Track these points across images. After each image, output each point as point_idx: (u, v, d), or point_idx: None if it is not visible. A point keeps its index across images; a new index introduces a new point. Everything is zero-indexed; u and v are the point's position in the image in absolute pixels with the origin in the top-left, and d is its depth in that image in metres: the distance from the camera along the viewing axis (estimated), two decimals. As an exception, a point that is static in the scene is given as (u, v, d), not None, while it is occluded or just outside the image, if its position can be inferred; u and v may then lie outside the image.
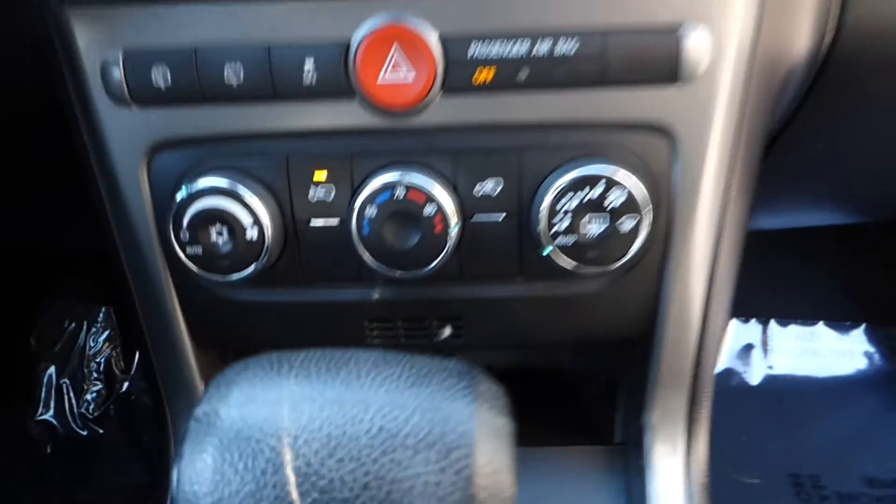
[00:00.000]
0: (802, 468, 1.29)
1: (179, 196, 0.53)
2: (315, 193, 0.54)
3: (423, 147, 0.54)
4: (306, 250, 0.57)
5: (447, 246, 0.53)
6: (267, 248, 0.54)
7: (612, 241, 0.52)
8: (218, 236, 0.54)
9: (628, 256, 0.52)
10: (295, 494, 0.29)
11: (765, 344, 1.49)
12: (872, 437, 1.37)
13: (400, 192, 0.52)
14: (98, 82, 0.53)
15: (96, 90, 0.53)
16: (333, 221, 0.55)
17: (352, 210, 0.53)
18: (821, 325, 1.51)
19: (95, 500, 1.26)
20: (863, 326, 1.51)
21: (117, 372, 1.47)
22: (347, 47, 0.50)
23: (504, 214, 0.54)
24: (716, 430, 0.60)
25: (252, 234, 0.53)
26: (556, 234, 0.52)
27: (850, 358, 1.50)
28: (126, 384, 1.46)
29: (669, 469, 0.56)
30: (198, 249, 0.54)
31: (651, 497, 0.54)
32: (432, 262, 0.54)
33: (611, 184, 0.51)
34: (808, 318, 1.50)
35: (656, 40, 0.49)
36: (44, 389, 1.42)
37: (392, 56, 0.49)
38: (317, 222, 0.55)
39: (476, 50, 0.49)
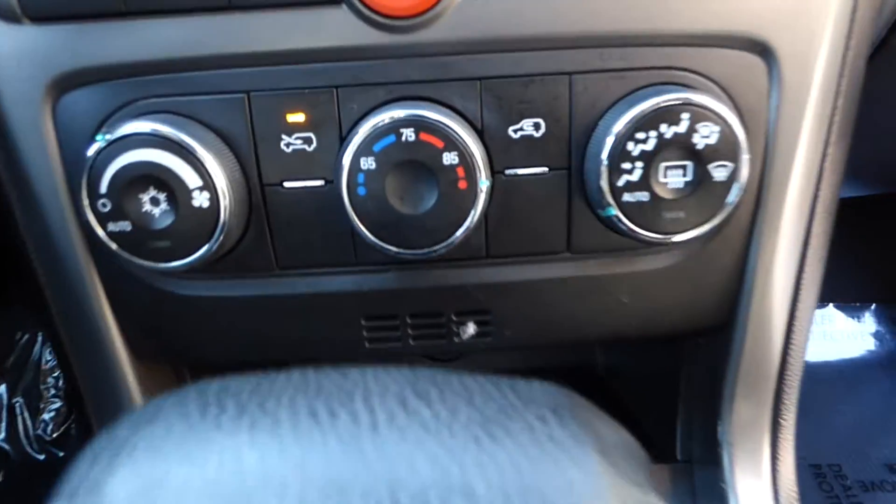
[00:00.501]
0: (823, 458, 1.22)
1: (95, 148, 0.40)
2: (289, 143, 0.42)
3: (436, 73, 0.41)
4: (279, 224, 0.44)
5: (474, 210, 0.41)
6: (223, 222, 0.41)
7: (699, 196, 0.40)
8: (152, 205, 0.40)
9: (719, 218, 0.41)
10: None
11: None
12: (889, 421, 1.31)
13: (408, 135, 0.39)
14: None
15: None
16: (315, 182, 0.43)
17: (341, 164, 0.41)
18: (831, 308, 1.45)
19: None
20: (872, 307, 1.45)
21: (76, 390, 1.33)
22: None
23: (548, 167, 0.42)
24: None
25: (201, 201, 0.40)
26: (622, 191, 0.40)
27: (861, 340, 1.45)
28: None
29: (755, 492, 0.46)
30: (124, 225, 0.41)
31: None
32: (454, 232, 0.41)
33: (698, 117, 0.39)
34: (819, 301, 1.44)
35: None
36: (-7, 412, 1.28)
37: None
38: (292, 184, 0.43)
39: None
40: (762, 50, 0.41)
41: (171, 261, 0.41)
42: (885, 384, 1.37)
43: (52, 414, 1.30)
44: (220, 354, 0.44)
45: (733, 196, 0.40)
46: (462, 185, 0.40)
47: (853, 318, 1.45)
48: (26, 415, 1.29)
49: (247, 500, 0.15)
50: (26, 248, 0.46)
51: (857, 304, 1.45)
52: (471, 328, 0.48)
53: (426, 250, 0.41)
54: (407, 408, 0.21)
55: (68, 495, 0.18)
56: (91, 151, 0.40)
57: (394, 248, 0.42)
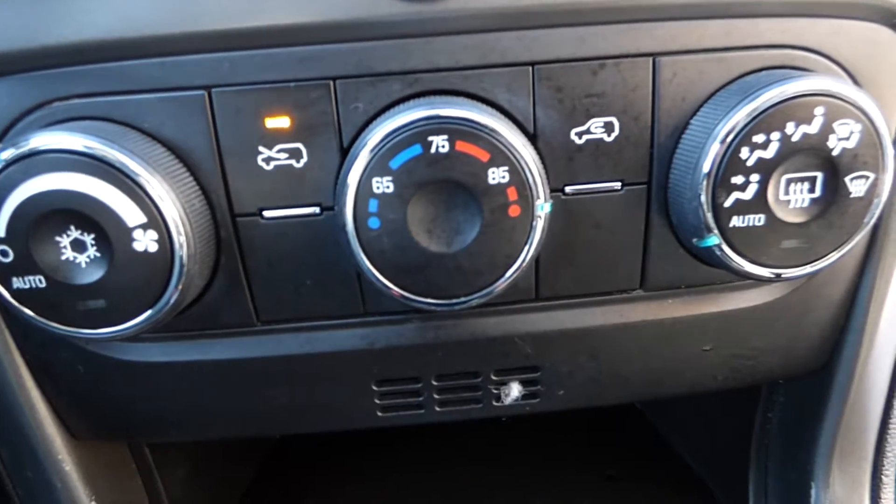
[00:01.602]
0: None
1: None
2: (269, 158, 0.31)
3: (472, 57, 0.30)
4: (258, 265, 0.32)
5: (529, 244, 0.30)
6: (180, 269, 0.29)
7: (830, 217, 0.29)
8: (75, 251, 0.29)
9: (850, 246, 0.30)
10: None
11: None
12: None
13: (439, 145, 0.28)
14: None
15: None
16: (307, 209, 0.32)
17: (344, 186, 0.29)
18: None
19: None
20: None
21: None
22: None
23: (621, 181, 0.32)
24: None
25: (146, 243, 0.29)
26: (730, 213, 0.30)
27: None
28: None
29: None
30: (34, 280, 0.29)
31: None
32: (501, 275, 0.30)
33: (836, 114, 0.28)
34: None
35: None
36: None
37: None
38: (275, 212, 0.32)
39: None
40: None
41: (105, 326, 0.30)
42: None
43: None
44: (185, 432, 0.32)
45: (872, 216, 0.31)
46: (514, 210, 0.29)
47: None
48: None
49: None
50: None
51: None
52: (515, 390, 0.37)
53: (463, 300, 0.30)
54: None
55: None
56: None
57: (419, 299, 0.30)
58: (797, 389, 0.41)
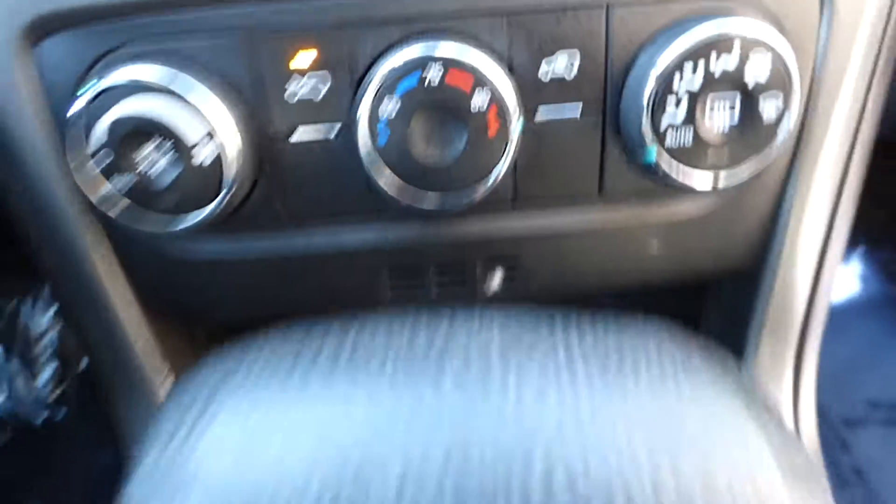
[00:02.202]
0: (835, 414, 1.26)
1: (83, 99, 0.37)
2: (297, 87, 0.39)
3: (457, 5, 0.38)
4: (291, 176, 0.41)
5: (504, 157, 0.39)
6: (230, 177, 0.38)
7: (746, 137, 0.38)
8: (154, 159, 0.38)
9: (765, 160, 0.39)
10: None
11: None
12: (873, 361, 1.35)
13: (434, 74, 0.37)
14: None
15: None
16: (329, 130, 0.40)
17: (358, 109, 0.39)
18: (819, 251, 1.46)
19: (58, 494, 1.15)
20: (860, 249, 1.47)
21: (71, 349, 1.33)
22: None
23: (581, 105, 0.40)
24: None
25: (205, 154, 0.38)
26: (665, 133, 0.38)
27: (848, 283, 1.47)
28: (85, 361, 1.33)
29: None
30: (120, 183, 0.38)
31: None
32: (483, 181, 0.39)
33: (750, 50, 0.36)
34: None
35: None
36: (-12, 376, 1.28)
37: None
38: (303, 134, 0.40)
39: None
40: None
41: (176, 219, 0.39)
42: (872, 325, 1.41)
43: (48, 377, 1.30)
44: (232, 314, 0.42)
45: (782, 135, 0.39)
46: (493, 130, 0.38)
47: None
48: (21, 380, 1.29)
49: (360, 443, 0.14)
50: (19, 211, 0.44)
51: (845, 247, 1.47)
52: (497, 279, 0.47)
53: (455, 200, 0.40)
54: (510, 351, 0.20)
55: (165, 430, 0.18)
56: (81, 103, 0.37)
57: (419, 200, 0.40)
58: (734, 292, 0.49)
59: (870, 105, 0.42)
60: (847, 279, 1.45)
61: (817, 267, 0.45)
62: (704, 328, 0.53)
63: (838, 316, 1.46)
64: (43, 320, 1.31)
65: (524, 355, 0.19)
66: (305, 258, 0.45)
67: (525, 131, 0.40)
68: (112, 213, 0.39)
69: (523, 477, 0.14)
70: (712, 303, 0.53)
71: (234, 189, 0.39)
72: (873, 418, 1.25)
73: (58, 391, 1.28)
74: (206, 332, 0.53)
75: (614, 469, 0.13)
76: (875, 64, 0.41)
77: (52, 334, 1.31)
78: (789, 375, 0.47)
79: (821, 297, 0.46)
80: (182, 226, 0.39)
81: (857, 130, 0.42)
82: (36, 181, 0.42)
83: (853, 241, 1.56)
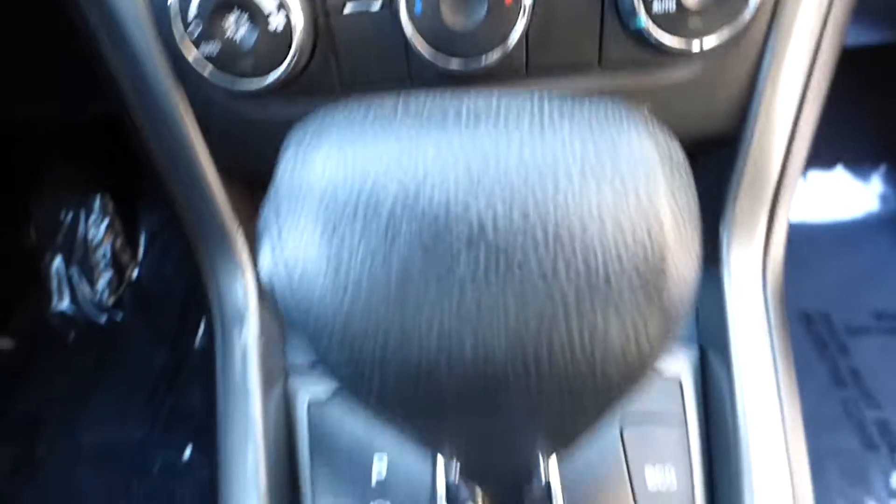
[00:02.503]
0: (813, 307, 1.32)
1: None
2: None
3: None
4: (342, 45, 0.46)
5: (518, 22, 0.44)
6: (297, 43, 0.44)
7: (721, 4, 0.42)
8: (237, 28, 0.43)
9: (739, 25, 0.42)
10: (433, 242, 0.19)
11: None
12: (882, 274, 1.39)
13: None
14: None
15: None
16: (374, 3, 0.45)
17: None
18: (839, 170, 1.47)
19: (122, 386, 1.29)
20: (882, 168, 1.48)
21: (125, 260, 1.44)
22: None
23: None
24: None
25: (277, 23, 0.43)
26: (651, 2, 0.43)
27: (866, 201, 1.49)
28: (136, 271, 1.44)
29: (747, 283, 0.51)
30: (212, 47, 0.43)
31: (729, 312, 0.50)
32: (501, 45, 0.44)
33: None
34: (827, 162, 1.46)
35: None
36: (54, 280, 1.40)
37: None
38: (353, 7, 0.45)
39: None
40: None
41: (253, 80, 0.45)
42: (883, 242, 1.44)
43: (106, 283, 1.42)
44: None
45: (753, 3, 0.42)
46: (508, 1, 0.43)
47: (860, 178, 1.48)
48: (84, 284, 1.41)
49: (413, 148, 0.20)
50: (123, 89, 0.49)
51: (867, 166, 1.47)
52: None
53: (476, 62, 0.45)
54: (503, 105, 0.24)
55: (292, 156, 0.22)
56: None
57: (446, 61, 0.45)
58: (718, 162, 0.53)
59: None
60: (866, 197, 1.47)
61: (791, 132, 0.48)
62: None
63: (853, 231, 1.49)
64: (98, 232, 1.42)
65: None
66: None
67: (536, 5, 0.44)
68: (205, 74, 0.44)
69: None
70: (698, 175, 0.56)
71: (298, 54, 0.44)
72: (876, 327, 1.30)
73: (114, 297, 1.41)
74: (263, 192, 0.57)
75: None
76: None
77: (107, 246, 1.42)
78: (762, 232, 0.52)
79: (794, 160, 0.49)
80: (258, 86, 0.45)
81: (830, 4, 0.45)
82: (136, 51, 0.48)
83: (874, 161, 1.56)
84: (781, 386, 0.47)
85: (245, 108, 0.49)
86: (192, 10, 0.42)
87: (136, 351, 1.34)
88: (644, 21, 0.42)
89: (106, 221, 1.43)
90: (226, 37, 0.43)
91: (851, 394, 1.18)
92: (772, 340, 0.48)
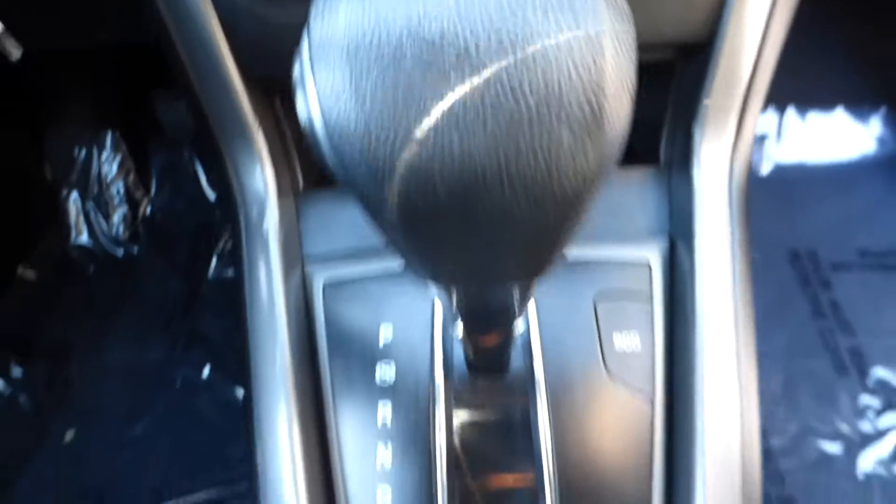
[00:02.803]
0: (801, 244, 1.37)
1: None
2: None
3: None
4: None
5: None
6: None
7: None
8: None
9: None
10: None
11: (779, 132, 1.49)
12: (873, 214, 1.43)
13: None
14: None
15: None
16: None
17: None
18: (839, 111, 1.49)
19: (141, 313, 1.37)
20: (882, 109, 1.49)
21: (138, 196, 1.50)
22: None
23: None
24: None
25: None
26: None
27: (863, 142, 1.51)
28: (149, 206, 1.50)
29: (715, 178, 0.54)
30: None
31: (696, 203, 0.54)
32: None
33: None
34: (827, 104, 1.48)
35: None
36: (72, 215, 1.47)
37: None
38: None
39: None
40: None
41: None
42: (879, 183, 1.47)
43: (121, 218, 1.48)
44: None
45: None
46: None
47: (859, 120, 1.49)
48: (100, 218, 1.48)
49: None
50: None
51: (867, 108, 1.48)
52: None
53: None
54: None
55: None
56: None
57: None
58: (695, 69, 0.55)
59: None
60: (865, 139, 1.49)
61: (762, 37, 0.51)
62: (669, 105, 0.60)
63: (849, 172, 1.52)
64: (112, 169, 1.47)
65: None
66: None
67: None
68: None
69: None
70: (677, 82, 0.59)
71: None
72: (859, 263, 1.35)
73: (129, 232, 1.47)
74: (279, 96, 0.60)
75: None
76: None
77: (120, 182, 1.48)
78: (731, 132, 0.54)
79: (764, 64, 0.52)
80: None
81: None
82: None
83: (874, 102, 1.56)
84: (737, 268, 0.52)
85: (267, 11, 0.50)
86: None
87: (153, 281, 1.42)
88: None
89: (118, 158, 1.48)
90: None
91: (829, 324, 1.25)
92: (732, 229, 0.53)
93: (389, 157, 0.22)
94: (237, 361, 1.28)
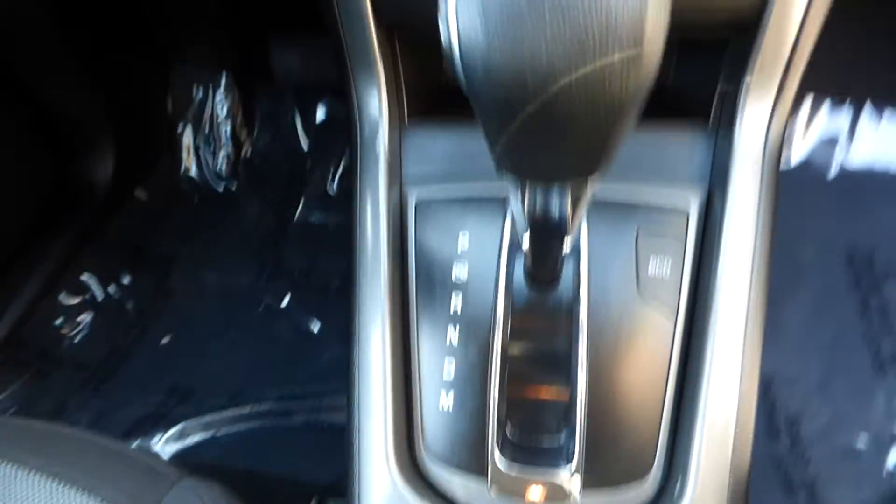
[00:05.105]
0: (859, 246, 1.39)
1: None
2: None
3: None
4: None
5: None
6: None
7: None
8: None
9: None
10: None
11: (852, 130, 1.49)
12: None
13: None
14: None
15: None
16: None
17: None
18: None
19: (235, 242, 1.54)
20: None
21: (242, 137, 1.67)
22: None
23: None
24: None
25: None
26: None
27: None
28: (249, 149, 1.66)
29: (752, 140, 0.62)
30: None
31: (734, 161, 0.61)
32: None
33: None
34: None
35: None
36: (184, 149, 1.65)
37: None
38: None
39: None
40: None
41: None
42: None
43: (224, 155, 1.65)
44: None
45: None
46: None
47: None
48: (208, 155, 1.65)
49: None
50: None
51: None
52: None
53: None
54: None
55: None
56: None
57: None
58: (739, 46, 0.61)
59: None
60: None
61: (803, 18, 0.57)
62: (721, 78, 0.66)
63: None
64: (223, 111, 1.64)
65: None
66: None
67: None
68: None
69: None
70: (727, 53, 0.67)
71: None
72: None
73: (230, 169, 1.64)
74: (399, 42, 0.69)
75: None
76: None
77: (228, 124, 1.65)
78: (770, 100, 0.61)
79: (804, 42, 0.59)
80: None
81: None
82: None
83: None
84: (760, 221, 0.60)
85: None
86: None
87: (247, 215, 1.59)
88: None
89: (229, 100, 1.65)
90: None
91: (874, 326, 1.28)
92: (762, 186, 0.60)
93: (508, 76, 0.30)
94: (314, 294, 1.43)
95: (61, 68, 1.39)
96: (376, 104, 0.67)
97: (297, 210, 1.55)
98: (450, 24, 0.31)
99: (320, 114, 1.59)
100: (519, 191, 0.43)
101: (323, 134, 1.58)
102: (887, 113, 1.48)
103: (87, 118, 1.47)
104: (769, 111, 0.62)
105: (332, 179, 1.55)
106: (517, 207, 0.46)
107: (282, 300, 1.43)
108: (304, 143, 1.60)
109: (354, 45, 0.65)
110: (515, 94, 0.31)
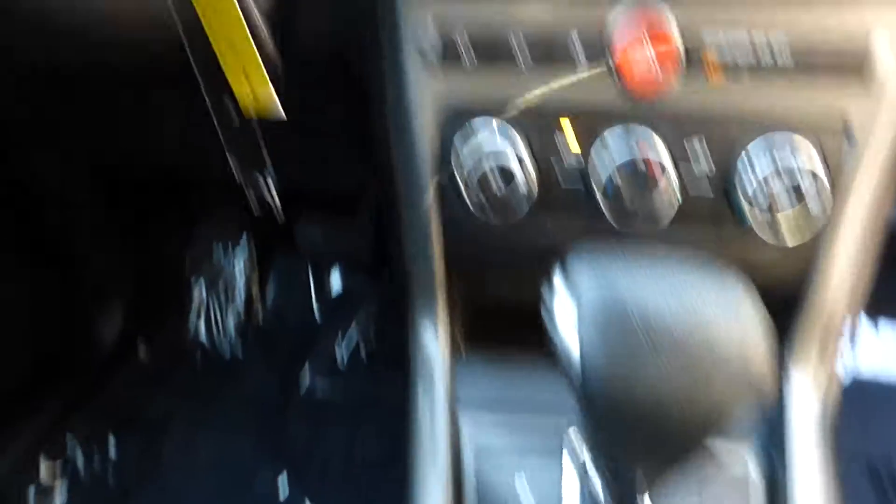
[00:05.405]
0: (876, 451, 1.36)
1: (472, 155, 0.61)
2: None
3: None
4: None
5: (669, 209, 0.60)
6: (530, 199, 0.61)
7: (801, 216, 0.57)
8: (496, 189, 0.60)
9: (817, 228, 0.59)
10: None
11: (851, 341, 1.52)
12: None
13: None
14: (412, 45, 0.59)
15: (409, 52, 0.60)
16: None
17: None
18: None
19: (235, 410, 1.48)
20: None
21: (254, 304, 1.66)
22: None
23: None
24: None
25: (521, 183, 0.60)
26: (755, 209, 0.57)
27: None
28: (260, 314, 1.66)
29: (806, 407, 0.65)
30: (475, 197, 0.61)
31: (790, 429, 0.63)
32: (657, 220, 0.61)
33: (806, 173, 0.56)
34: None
35: None
36: (194, 310, 1.64)
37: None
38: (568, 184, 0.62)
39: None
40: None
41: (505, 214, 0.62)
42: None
43: (234, 320, 1.64)
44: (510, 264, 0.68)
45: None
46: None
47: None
48: (218, 318, 1.64)
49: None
50: (396, 197, 0.68)
51: None
52: None
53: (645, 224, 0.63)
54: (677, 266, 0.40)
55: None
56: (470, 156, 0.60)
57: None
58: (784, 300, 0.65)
59: (881, 193, 0.60)
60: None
61: (849, 289, 0.63)
62: None
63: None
64: (239, 276, 1.66)
65: None
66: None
67: (684, 200, 0.60)
68: (474, 211, 0.62)
69: None
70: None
71: (530, 205, 0.61)
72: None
73: (239, 333, 1.62)
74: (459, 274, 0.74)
75: None
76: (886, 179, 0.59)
77: (242, 288, 1.65)
78: (817, 363, 0.65)
79: (849, 310, 0.64)
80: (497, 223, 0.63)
81: (874, 211, 0.60)
82: (418, 185, 0.66)
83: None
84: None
85: (476, 229, 0.66)
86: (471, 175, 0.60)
87: (251, 383, 1.54)
88: (750, 221, 0.58)
89: (246, 265, 1.67)
90: (487, 191, 0.61)
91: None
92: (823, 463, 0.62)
93: (622, 397, 0.35)
94: (314, 476, 1.35)
95: (94, 236, 1.42)
96: (433, 334, 0.70)
97: (303, 382, 1.51)
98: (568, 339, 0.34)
99: (336, 285, 1.61)
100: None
101: (336, 306, 1.59)
102: (882, 325, 1.53)
103: (107, 278, 1.48)
104: (815, 373, 0.65)
105: (343, 354, 1.54)
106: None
107: (277, 478, 1.35)
108: (317, 313, 1.60)
109: (418, 281, 0.70)
110: (629, 414, 0.33)
